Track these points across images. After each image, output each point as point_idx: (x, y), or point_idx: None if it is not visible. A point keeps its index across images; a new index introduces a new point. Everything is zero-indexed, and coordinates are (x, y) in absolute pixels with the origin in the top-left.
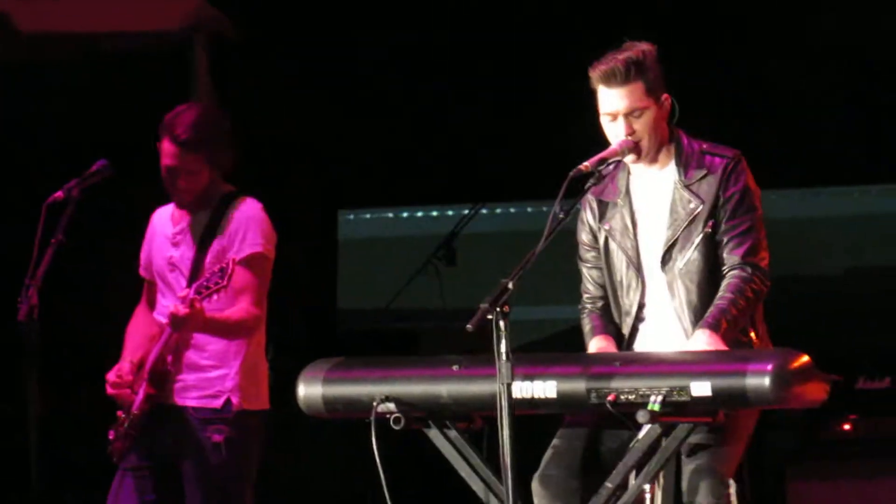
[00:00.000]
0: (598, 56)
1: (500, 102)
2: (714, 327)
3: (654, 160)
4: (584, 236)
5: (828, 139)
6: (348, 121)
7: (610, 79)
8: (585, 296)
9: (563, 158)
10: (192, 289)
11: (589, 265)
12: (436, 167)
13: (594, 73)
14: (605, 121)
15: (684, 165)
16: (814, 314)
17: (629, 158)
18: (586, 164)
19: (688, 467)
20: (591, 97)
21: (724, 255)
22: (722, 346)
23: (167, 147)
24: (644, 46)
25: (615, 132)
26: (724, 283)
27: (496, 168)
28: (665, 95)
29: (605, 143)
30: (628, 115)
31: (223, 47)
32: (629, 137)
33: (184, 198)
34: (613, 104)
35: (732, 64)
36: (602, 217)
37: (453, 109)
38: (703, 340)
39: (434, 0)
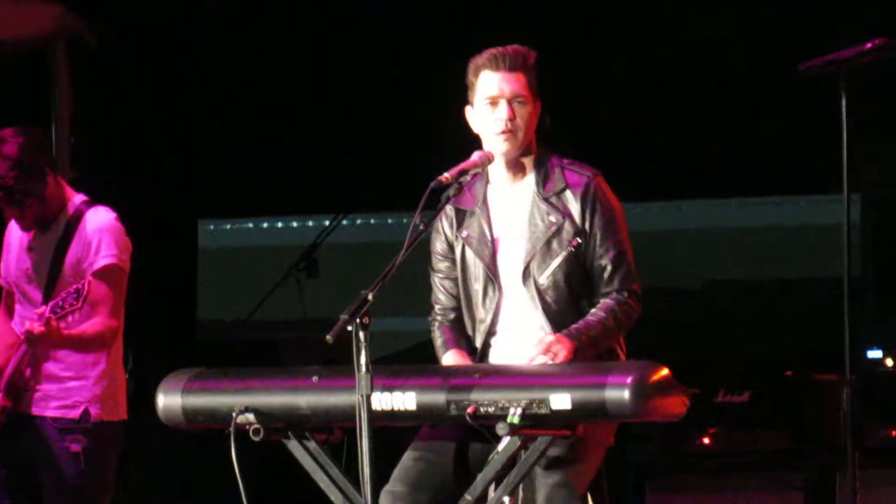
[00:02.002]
0: (461, 64)
1: (361, 114)
2: (573, 336)
3: (516, 170)
4: (438, 245)
5: (690, 153)
6: (210, 130)
7: (498, 62)
8: (437, 307)
9: (424, 170)
10: (48, 307)
11: (441, 275)
12: (297, 178)
13: (479, 59)
14: (483, 107)
15: (543, 177)
16: (673, 327)
17: (503, 149)
18: (447, 175)
19: (544, 481)
20: (460, 97)
21: (598, 280)
22: (567, 355)
23: None
24: (527, 48)
25: (494, 118)
26: (600, 302)
27: (357, 179)
28: (539, 102)
29: (465, 156)
30: (511, 100)
31: (83, 53)
32: (509, 123)
33: (26, 224)
34: (500, 86)
35: (594, 75)
36: (459, 225)
37: (316, 120)
38: (551, 339)
39: (294, 8)
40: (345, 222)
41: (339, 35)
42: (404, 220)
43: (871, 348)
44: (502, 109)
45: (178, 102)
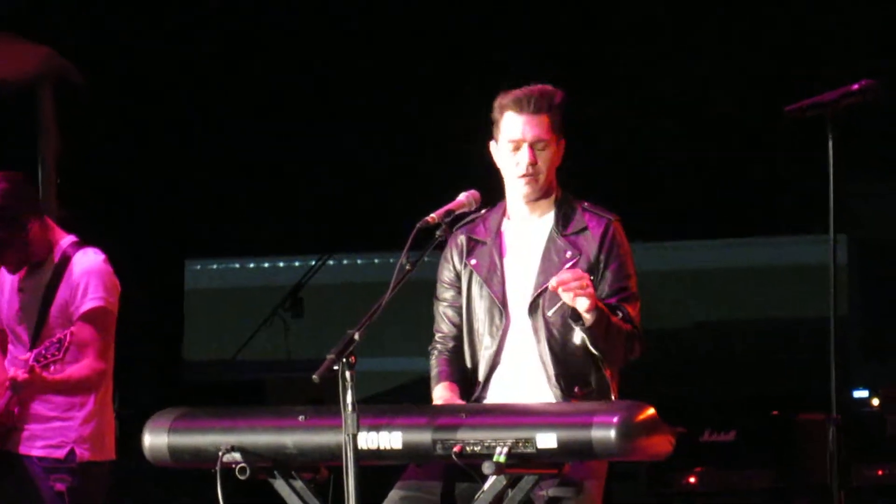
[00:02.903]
0: (446, 110)
1: (347, 156)
2: (604, 309)
3: (534, 207)
4: (445, 274)
5: (676, 194)
6: (196, 171)
7: (522, 105)
8: (438, 335)
9: (410, 210)
10: (32, 355)
11: (445, 304)
12: (283, 219)
13: (504, 99)
14: (504, 149)
15: (563, 218)
16: (660, 367)
17: (524, 192)
18: (433, 215)
19: None
20: (433, 152)
21: None
22: (591, 296)
23: None
24: (552, 88)
25: (514, 161)
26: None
27: (342, 219)
28: (562, 141)
29: (450, 196)
30: (534, 144)
31: (70, 94)
32: (531, 168)
33: (8, 268)
34: (523, 131)
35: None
36: (469, 253)
37: (301, 162)
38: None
39: (286, 51)
40: (330, 262)
41: (325, 76)
42: (390, 261)
43: (858, 388)
44: (524, 153)
45: (166, 143)
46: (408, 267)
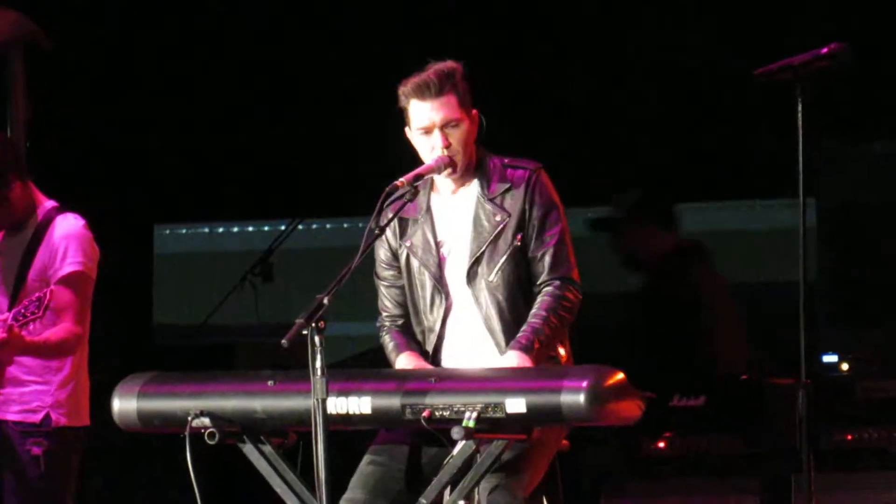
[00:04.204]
0: (407, 74)
1: (316, 119)
2: (527, 349)
3: (461, 176)
4: (382, 253)
5: (643, 158)
6: (165, 135)
7: (423, 91)
8: (384, 314)
9: (379, 175)
10: (10, 315)
11: (387, 283)
12: (252, 183)
13: (405, 89)
14: (417, 136)
15: (487, 180)
16: (628, 331)
17: (445, 173)
18: (402, 180)
19: (485, 484)
20: (401, 116)
21: (536, 270)
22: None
23: None
24: (451, 63)
25: (429, 146)
26: (538, 299)
27: (312, 184)
28: (474, 110)
29: (419, 161)
30: (444, 126)
31: (39, 58)
32: (445, 151)
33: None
34: (429, 116)
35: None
36: (402, 234)
37: (269, 125)
38: (515, 362)
39: (255, 15)
40: (300, 227)
41: (294, 40)
42: (360, 225)
43: (826, 353)
44: (436, 138)
45: (134, 107)
46: (377, 231)
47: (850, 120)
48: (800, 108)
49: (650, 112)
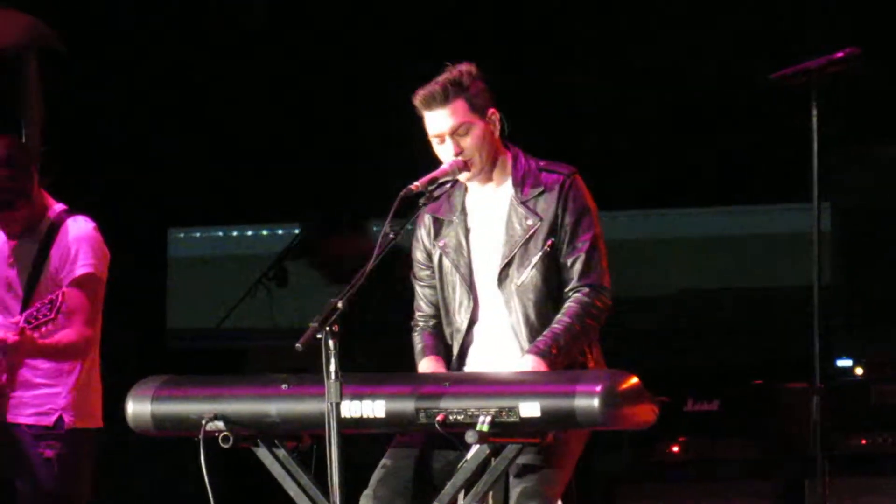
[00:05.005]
0: (426, 79)
1: (332, 124)
2: (543, 354)
3: (489, 177)
4: (418, 254)
5: (662, 162)
6: (180, 138)
7: (430, 102)
8: (418, 313)
9: (394, 178)
10: (23, 317)
11: (423, 283)
12: (267, 187)
13: (416, 100)
14: (434, 143)
15: (520, 183)
16: (643, 335)
17: (463, 177)
18: (417, 183)
19: (515, 489)
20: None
21: (566, 276)
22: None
23: None
24: (462, 66)
25: (445, 153)
26: (565, 305)
27: (327, 188)
28: (491, 110)
29: (435, 164)
30: (454, 133)
31: (55, 62)
32: (458, 157)
33: (14, 228)
34: (438, 126)
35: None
36: (437, 235)
37: (287, 129)
38: (529, 366)
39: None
40: None
41: (310, 46)
42: (375, 229)
43: (841, 357)
44: (449, 146)
45: (149, 110)
46: (392, 235)
47: (865, 124)
48: (814, 112)
49: (663, 118)
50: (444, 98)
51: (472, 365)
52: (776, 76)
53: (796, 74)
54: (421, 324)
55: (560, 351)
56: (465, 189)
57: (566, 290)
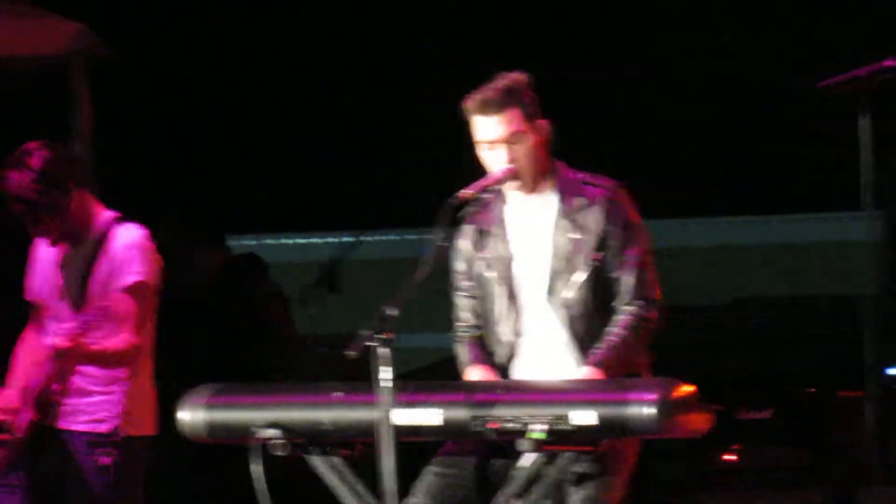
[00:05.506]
0: (473, 87)
1: (382, 131)
2: (600, 365)
3: (533, 189)
4: (458, 265)
5: (717, 170)
6: (233, 148)
7: (485, 108)
8: (461, 324)
9: (445, 186)
10: (74, 324)
11: (464, 294)
12: (320, 195)
13: (469, 104)
14: (483, 150)
15: (565, 195)
16: (697, 344)
17: (511, 185)
18: (467, 191)
19: (574, 497)
20: (466, 127)
21: (616, 290)
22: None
23: (21, 182)
24: (516, 75)
25: (493, 160)
26: (618, 317)
27: (378, 196)
28: (541, 121)
29: (483, 171)
30: (508, 141)
31: (103, 71)
32: (510, 165)
33: (49, 239)
34: (490, 132)
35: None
36: (480, 246)
37: (341, 138)
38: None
39: (313, 30)
40: (369, 239)
41: (350, 57)
42: (426, 237)
43: (891, 366)
44: (499, 153)
45: (206, 120)
46: (442, 243)
47: None
48: (865, 121)
49: (719, 126)
50: (500, 105)
51: (518, 376)
52: (824, 84)
53: (845, 83)
54: (465, 334)
55: (617, 362)
56: (504, 200)
57: (618, 303)
